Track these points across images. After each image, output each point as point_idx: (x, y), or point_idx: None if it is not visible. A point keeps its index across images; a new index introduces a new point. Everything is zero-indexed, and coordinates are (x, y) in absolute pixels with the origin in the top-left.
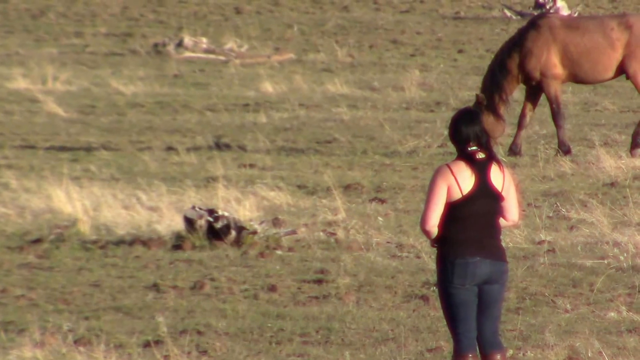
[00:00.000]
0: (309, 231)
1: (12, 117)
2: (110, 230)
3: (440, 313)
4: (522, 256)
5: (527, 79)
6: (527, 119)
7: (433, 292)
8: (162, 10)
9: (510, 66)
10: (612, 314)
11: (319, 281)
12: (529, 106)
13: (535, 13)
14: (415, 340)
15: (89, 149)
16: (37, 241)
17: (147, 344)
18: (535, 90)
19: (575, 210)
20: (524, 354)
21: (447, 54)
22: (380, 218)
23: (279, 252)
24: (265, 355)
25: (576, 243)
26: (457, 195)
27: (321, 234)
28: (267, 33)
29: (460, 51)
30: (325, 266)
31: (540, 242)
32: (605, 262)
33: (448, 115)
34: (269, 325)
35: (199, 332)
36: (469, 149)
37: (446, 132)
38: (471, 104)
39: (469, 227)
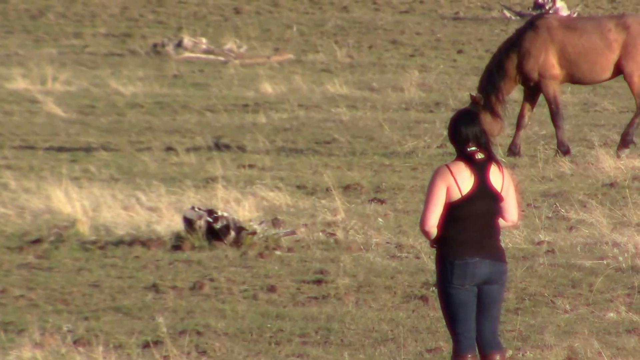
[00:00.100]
0: (309, 231)
1: (12, 117)
2: (109, 230)
3: (439, 313)
4: (521, 257)
5: (525, 79)
6: (526, 119)
7: (432, 293)
8: (161, 10)
9: (508, 67)
10: (612, 314)
11: (318, 281)
12: (527, 107)
13: (535, 13)
14: (414, 340)
15: (88, 150)
16: (37, 241)
17: (146, 345)
18: (533, 90)
19: (575, 211)
20: (523, 355)
21: (447, 54)
22: (379, 218)
23: (278, 252)
24: (264, 355)
25: (575, 243)
26: (456, 195)
27: (320, 234)
28: (267, 33)
29: (459, 52)
30: (324, 266)
31: (540, 243)
32: (605, 262)
33: (447, 115)
34: (269, 325)
35: (199, 333)
36: (468, 149)
37: (445, 133)
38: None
39: (469, 228)
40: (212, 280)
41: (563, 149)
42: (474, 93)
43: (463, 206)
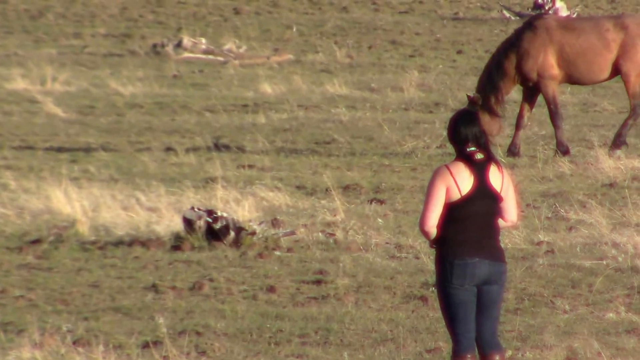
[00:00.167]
0: (308, 232)
1: (11, 117)
2: (109, 230)
3: (439, 314)
4: (521, 257)
5: (524, 80)
6: (525, 119)
7: (432, 293)
8: (161, 11)
9: (507, 67)
10: (611, 314)
11: (317, 282)
12: (526, 107)
13: (534, 14)
14: (414, 340)
15: (88, 150)
16: (36, 242)
17: (146, 345)
18: (532, 91)
19: (574, 211)
20: (522, 355)
21: (446, 54)
22: (379, 219)
23: (277, 252)
24: (264, 355)
25: (575, 244)
26: (456, 196)
27: (320, 234)
28: (266, 34)
29: (459, 52)
30: (324, 267)
31: (539, 243)
32: (604, 262)
33: (447, 116)
34: (268, 325)
35: (198, 333)
36: (468, 149)
37: (445, 133)
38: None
39: (468, 228)
40: (211, 280)
41: (562, 149)
42: (472, 93)
43: (462, 206)
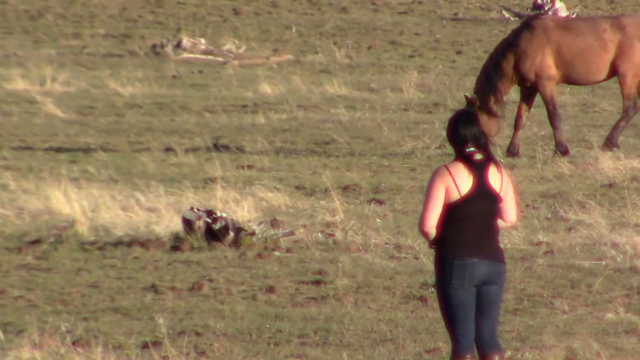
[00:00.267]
0: (307, 232)
1: (11, 118)
2: (108, 231)
3: (438, 314)
4: (520, 257)
5: (522, 80)
6: (524, 119)
7: (431, 293)
8: (160, 11)
9: (505, 67)
10: (610, 315)
11: (317, 282)
12: (524, 107)
13: (533, 14)
14: (413, 341)
15: (87, 150)
16: (36, 242)
17: (145, 345)
18: (530, 91)
19: (574, 212)
20: (522, 355)
21: (446, 55)
22: (378, 219)
23: (277, 253)
24: (263, 356)
25: (574, 244)
26: (455, 196)
27: (319, 235)
28: (266, 34)
29: (458, 52)
30: (323, 267)
31: (539, 243)
32: (604, 263)
33: (446, 116)
34: (267, 326)
35: (198, 333)
36: (467, 150)
37: (444, 134)
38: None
39: (467, 228)
40: (211, 280)
41: (561, 149)
42: (470, 94)
43: (462, 207)
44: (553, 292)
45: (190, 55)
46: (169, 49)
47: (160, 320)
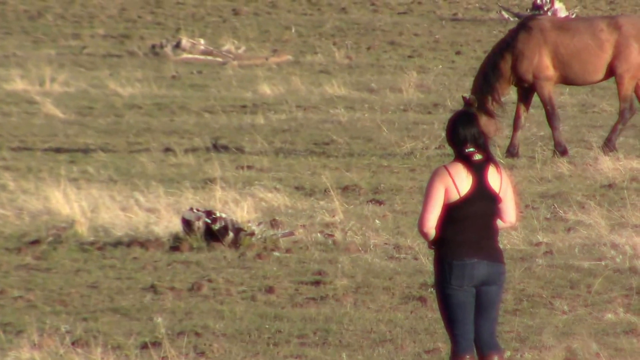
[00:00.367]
0: (307, 233)
1: (10, 118)
2: (107, 231)
3: (437, 314)
4: (519, 258)
5: (519, 81)
6: (522, 120)
7: (431, 294)
8: (159, 11)
9: (502, 67)
10: (610, 315)
11: (316, 282)
12: (522, 107)
13: (530, 14)
14: (412, 341)
15: (86, 151)
16: (35, 242)
17: (144, 346)
18: (527, 91)
19: (573, 212)
20: (521, 356)
21: (445, 55)
22: (377, 220)
23: (276, 253)
24: (262, 356)
25: (574, 245)
26: (454, 196)
27: (319, 235)
28: (265, 35)
29: (457, 53)
30: (322, 268)
31: (538, 244)
32: (603, 263)
33: (446, 116)
34: (267, 326)
35: (197, 334)
36: (467, 150)
37: (444, 134)
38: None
39: (467, 229)
40: (210, 281)
41: (560, 150)
42: (467, 95)
43: (461, 207)
44: (552, 292)
45: (190, 56)
46: (168, 49)
47: (160, 321)
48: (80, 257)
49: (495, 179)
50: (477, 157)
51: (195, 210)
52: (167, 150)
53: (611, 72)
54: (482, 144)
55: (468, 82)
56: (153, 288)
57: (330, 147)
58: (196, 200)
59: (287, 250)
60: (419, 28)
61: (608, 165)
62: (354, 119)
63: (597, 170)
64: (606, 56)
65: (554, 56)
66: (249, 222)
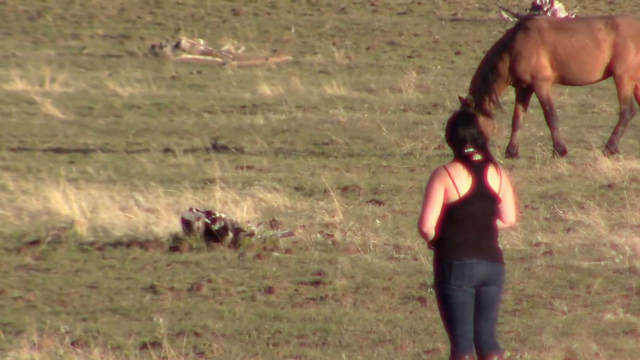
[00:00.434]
0: (306, 233)
1: (10, 118)
2: (107, 231)
3: (437, 315)
4: (519, 258)
5: (517, 81)
6: (521, 120)
7: (430, 294)
8: (159, 12)
9: (500, 68)
10: (609, 315)
11: (316, 283)
12: (520, 107)
13: (527, 14)
14: (412, 341)
15: (86, 151)
16: (35, 243)
17: (144, 346)
18: (524, 91)
19: (573, 212)
20: (521, 356)
21: (445, 55)
22: (377, 220)
23: (276, 253)
24: (262, 356)
25: (573, 245)
26: (454, 197)
27: (318, 235)
28: (265, 35)
29: (457, 53)
30: (322, 268)
31: (538, 244)
32: (603, 264)
33: (445, 117)
34: (266, 326)
35: (196, 334)
36: (466, 150)
37: (443, 134)
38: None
39: (466, 229)
40: (210, 281)
41: (559, 150)
42: (465, 95)
43: (461, 207)
44: (552, 292)
45: (189, 56)
46: (167, 49)
47: (159, 321)
48: (80, 257)
49: (495, 179)
50: (477, 157)
51: (194, 211)
52: (167, 150)
53: (610, 73)
54: (482, 144)
55: (467, 83)
56: (152, 288)
57: (329, 147)
58: (196, 201)
59: (287, 251)
60: (418, 28)
61: (607, 166)
62: (354, 119)
63: (597, 170)
64: (604, 56)
65: (551, 56)
66: (248, 222)
